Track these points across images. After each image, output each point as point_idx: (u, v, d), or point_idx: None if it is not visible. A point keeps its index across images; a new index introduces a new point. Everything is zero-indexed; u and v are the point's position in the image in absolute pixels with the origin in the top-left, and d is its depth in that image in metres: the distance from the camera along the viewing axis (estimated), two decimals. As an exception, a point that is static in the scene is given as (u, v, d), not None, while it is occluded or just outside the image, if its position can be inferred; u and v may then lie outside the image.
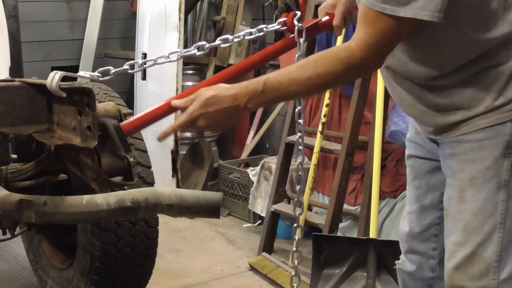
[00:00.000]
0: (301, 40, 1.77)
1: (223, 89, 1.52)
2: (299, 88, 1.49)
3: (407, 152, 1.84)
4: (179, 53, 1.81)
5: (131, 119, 1.63)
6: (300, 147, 1.73)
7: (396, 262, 1.92)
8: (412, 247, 1.85)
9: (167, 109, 1.61)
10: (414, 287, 1.88)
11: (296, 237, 1.78)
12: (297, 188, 1.77)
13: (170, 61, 1.80)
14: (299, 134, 1.74)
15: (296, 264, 1.76)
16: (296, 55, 1.78)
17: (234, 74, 1.78)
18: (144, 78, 4.50)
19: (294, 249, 1.77)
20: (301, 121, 1.74)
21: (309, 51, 3.51)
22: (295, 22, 1.76)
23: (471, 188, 1.52)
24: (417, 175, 1.79)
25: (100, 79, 1.66)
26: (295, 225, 1.76)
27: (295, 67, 1.52)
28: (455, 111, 1.52)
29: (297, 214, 1.77)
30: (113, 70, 1.68)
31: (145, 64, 1.76)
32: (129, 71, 1.73)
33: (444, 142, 1.58)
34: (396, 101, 1.71)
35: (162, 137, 1.58)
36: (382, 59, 1.48)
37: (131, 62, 1.74)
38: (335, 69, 1.46)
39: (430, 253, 1.82)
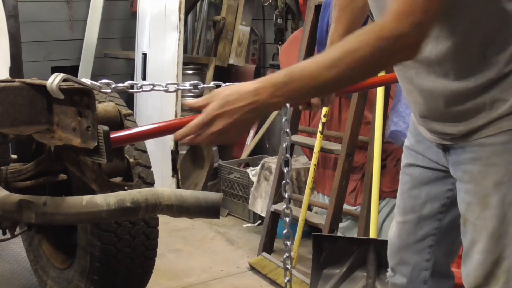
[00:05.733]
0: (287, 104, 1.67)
1: (243, 85, 1.35)
2: (330, 72, 1.30)
3: (405, 160, 1.77)
4: (176, 86, 1.85)
5: (122, 132, 1.56)
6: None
7: (387, 275, 1.87)
8: (403, 258, 1.79)
9: (160, 131, 1.56)
10: None
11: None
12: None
13: (167, 91, 1.82)
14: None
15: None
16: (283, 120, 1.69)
17: None
18: (144, 78, 4.51)
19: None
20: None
21: (309, 51, 3.51)
22: None
23: (496, 193, 1.46)
24: (415, 184, 1.74)
25: (102, 90, 1.70)
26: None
27: (322, 53, 1.36)
28: (477, 115, 1.45)
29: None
30: (113, 85, 1.73)
31: (142, 87, 1.81)
32: (129, 90, 1.77)
33: (461, 147, 1.51)
34: (416, 112, 1.63)
35: (179, 137, 1.40)
36: (422, 28, 1.29)
37: (132, 82, 1.80)
38: (367, 43, 1.29)
39: (423, 265, 1.76)
